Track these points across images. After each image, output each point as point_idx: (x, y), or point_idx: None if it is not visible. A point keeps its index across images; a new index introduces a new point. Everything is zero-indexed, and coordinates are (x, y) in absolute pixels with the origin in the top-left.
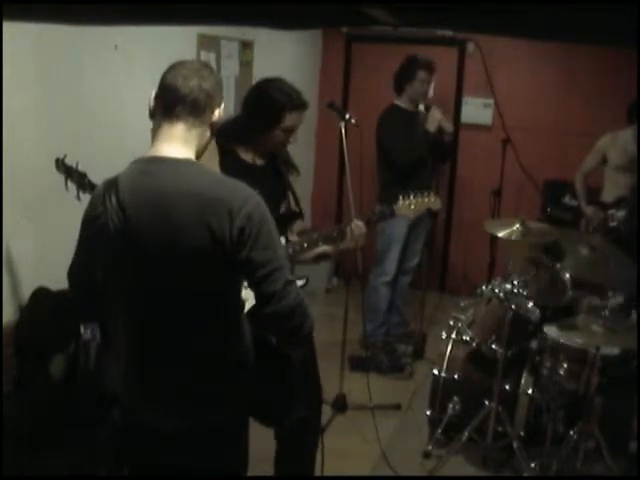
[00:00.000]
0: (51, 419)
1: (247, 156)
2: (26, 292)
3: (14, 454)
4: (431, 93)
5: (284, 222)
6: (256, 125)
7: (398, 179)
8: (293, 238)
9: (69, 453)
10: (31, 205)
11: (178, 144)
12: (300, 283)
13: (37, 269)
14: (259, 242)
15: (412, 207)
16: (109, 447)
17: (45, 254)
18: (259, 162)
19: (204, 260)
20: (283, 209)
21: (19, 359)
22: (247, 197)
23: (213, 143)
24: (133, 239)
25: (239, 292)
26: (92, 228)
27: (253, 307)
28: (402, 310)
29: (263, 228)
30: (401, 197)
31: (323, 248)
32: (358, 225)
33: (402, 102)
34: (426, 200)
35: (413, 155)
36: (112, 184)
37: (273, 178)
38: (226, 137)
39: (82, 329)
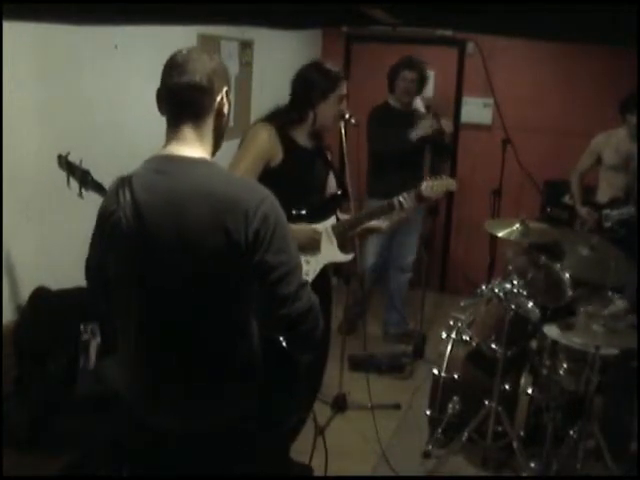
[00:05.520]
0: (51, 419)
1: (301, 139)
2: (26, 292)
3: (14, 454)
4: (428, 93)
5: (333, 203)
6: (314, 96)
7: (384, 175)
8: (343, 217)
9: (69, 453)
10: (31, 205)
11: (189, 143)
12: (350, 256)
13: (37, 269)
14: (274, 244)
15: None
16: (109, 447)
17: (45, 254)
18: (310, 145)
19: (217, 262)
20: (331, 191)
21: (19, 359)
22: (263, 198)
23: (274, 131)
24: (146, 237)
25: (250, 294)
26: (106, 224)
27: (264, 309)
28: (401, 309)
29: (278, 229)
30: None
31: (371, 223)
32: (406, 197)
33: (393, 100)
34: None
35: (396, 153)
36: (126, 181)
37: (321, 160)
38: (282, 122)
39: (82, 329)
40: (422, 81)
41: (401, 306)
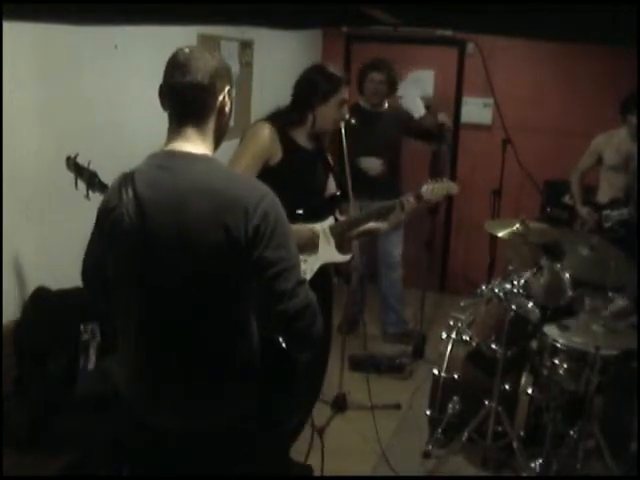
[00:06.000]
0: (51, 419)
1: (301, 140)
2: (26, 292)
3: (14, 454)
4: (428, 92)
5: (332, 204)
6: (314, 99)
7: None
8: (341, 218)
9: (69, 453)
10: (31, 205)
11: (191, 141)
12: (348, 256)
13: (37, 269)
14: (273, 241)
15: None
16: (109, 447)
17: (45, 254)
18: (310, 146)
19: (218, 258)
20: (330, 191)
21: (19, 359)
22: (263, 195)
23: (274, 130)
24: (147, 233)
25: (249, 291)
26: (106, 221)
27: (262, 306)
28: (398, 308)
29: (278, 226)
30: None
31: (370, 224)
32: (408, 199)
33: (363, 101)
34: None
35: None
36: (128, 178)
37: (321, 161)
38: (283, 122)
39: (82, 329)
40: (392, 82)
41: (397, 305)
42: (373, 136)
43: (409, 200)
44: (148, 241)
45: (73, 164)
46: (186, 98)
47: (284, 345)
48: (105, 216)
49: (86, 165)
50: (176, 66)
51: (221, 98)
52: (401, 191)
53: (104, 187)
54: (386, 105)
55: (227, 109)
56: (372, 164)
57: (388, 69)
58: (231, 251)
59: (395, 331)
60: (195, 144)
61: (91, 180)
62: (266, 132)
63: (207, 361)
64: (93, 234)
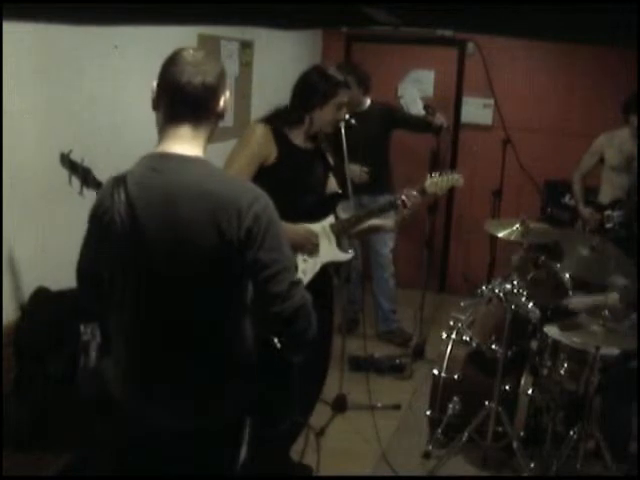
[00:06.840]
0: (51, 419)
1: (298, 140)
2: (26, 292)
3: (14, 454)
4: (428, 93)
5: (332, 202)
6: (313, 101)
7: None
8: (342, 216)
9: (69, 453)
10: (31, 205)
11: (186, 142)
12: (350, 255)
13: (37, 269)
14: (266, 243)
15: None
16: (109, 447)
17: (45, 254)
18: (308, 146)
19: (212, 259)
20: (330, 190)
21: (19, 359)
22: (256, 197)
23: (269, 131)
24: (140, 235)
25: (243, 292)
26: (99, 223)
27: (257, 307)
28: (388, 306)
29: (270, 228)
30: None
31: (374, 221)
32: (411, 194)
33: None
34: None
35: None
36: (121, 180)
37: (319, 161)
38: (279, 122)
39: (82, 329)
40: (361, 82)
41: (388, 303)
42: (354, 138)
43: (412, 194)
44: (141, 243)
45: (67, 160)
46: (191, 98)
47: (279, 345)
48: (97, 218)
49: (80, 162)
50: (185, 65)
51: (223, 100)
52: (393, 189)
53: (98, 184)
54: (367, 103)
55: (224, 111)
56: (355, 173)
57: (353, 73)
58: (224, 252)
59: (384, 329)
60: (190, 145)
61: (85, 177)
62: (259, 133)
63: (202, 361)
64: (87, 235)
